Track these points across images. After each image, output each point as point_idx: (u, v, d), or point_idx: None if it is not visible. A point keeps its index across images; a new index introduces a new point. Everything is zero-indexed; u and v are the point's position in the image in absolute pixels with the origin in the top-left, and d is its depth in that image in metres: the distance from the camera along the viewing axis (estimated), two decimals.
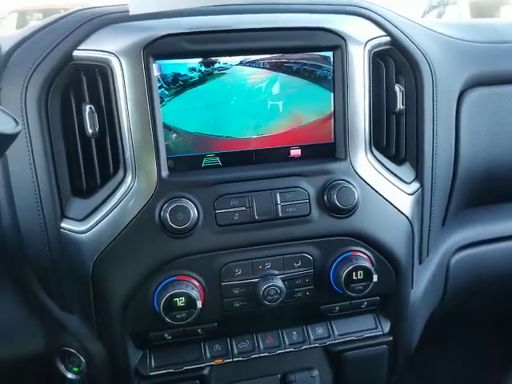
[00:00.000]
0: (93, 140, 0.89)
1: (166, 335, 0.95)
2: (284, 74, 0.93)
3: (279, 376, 1.03)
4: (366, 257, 0.97)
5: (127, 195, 0.88)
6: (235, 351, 1.01)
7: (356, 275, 0.93)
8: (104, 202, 0.89)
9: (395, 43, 0.99)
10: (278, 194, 0.92)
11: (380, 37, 0.97)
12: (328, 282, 0.96)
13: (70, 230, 0.90)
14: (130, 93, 0.86)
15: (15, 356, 1.00)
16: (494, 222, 1.24)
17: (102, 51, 0.86)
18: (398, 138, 1.03)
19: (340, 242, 0.96)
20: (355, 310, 1.04)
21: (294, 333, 1.04)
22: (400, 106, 1.00)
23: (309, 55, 0.93)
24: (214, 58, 0.89)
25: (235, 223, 0.91)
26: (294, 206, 0.93)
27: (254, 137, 0.94)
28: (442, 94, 1.03)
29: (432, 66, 1.02)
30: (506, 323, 1.62)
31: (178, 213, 0.86)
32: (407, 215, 1.01)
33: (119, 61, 0.85)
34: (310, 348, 1.04)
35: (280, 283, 0.92)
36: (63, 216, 0.90)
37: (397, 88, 1.00)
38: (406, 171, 1.03)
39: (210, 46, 0.88)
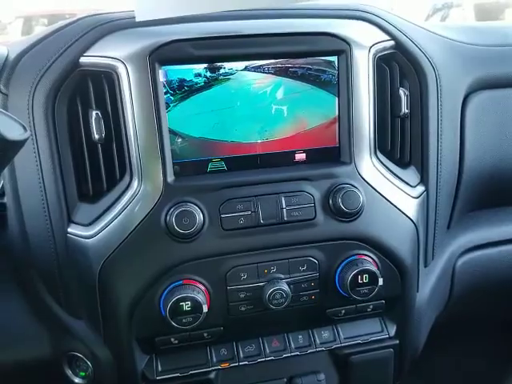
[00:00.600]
0: (99, 145, 0.90)
1: (172, 339, 0.95)
2: (289, 79, 0.93)
3: (285, 380, 1.03)
4: (371, 260, 0.97)
5: (133, 200, 0.89)
6: (241, 355, 1.01)
7: (361, 279, 0.94)
8: (110, 206, 0.89)
9: (399, 47, 0.99)
10: (283, 198, 0.93)
11: (384, 41, 0.97)
12: (333, 285, 0.97)
13: (76, 235, 0.90)
14: (136, 98, 0.86)
15: (22, 360, 1.00)
16: (500, 225, 1.24)
17: (108, 57, 0.86)
18: (402, 142, 1.03)
19: (345, 245, 0.96)
20: (361, 313, 1.04)
21: (300, 336, 1.04)
22: (405, 109, 1.00)
23: (313, 60, 0.93)
24: (219, 64, 0.89)
25: (241, 227, 0.91)
26: (300, 210, 0.93)
27: (259, 141, 0.95)
28: (447, 98, 1.03)
29: (436, 69, 1.02)
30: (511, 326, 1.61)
31: (183, 217, 0.87)
32: (412, 218, 1.01)
33: (125, 67, 0.86)
34: (316, 352, 1.04)
35: (286, 287, 0.92)
36: (70, 221, 0.91)
37: (401, 92, 1.00)
38: (410, 175, 1.03)
39: (215, 51, 0.89)
